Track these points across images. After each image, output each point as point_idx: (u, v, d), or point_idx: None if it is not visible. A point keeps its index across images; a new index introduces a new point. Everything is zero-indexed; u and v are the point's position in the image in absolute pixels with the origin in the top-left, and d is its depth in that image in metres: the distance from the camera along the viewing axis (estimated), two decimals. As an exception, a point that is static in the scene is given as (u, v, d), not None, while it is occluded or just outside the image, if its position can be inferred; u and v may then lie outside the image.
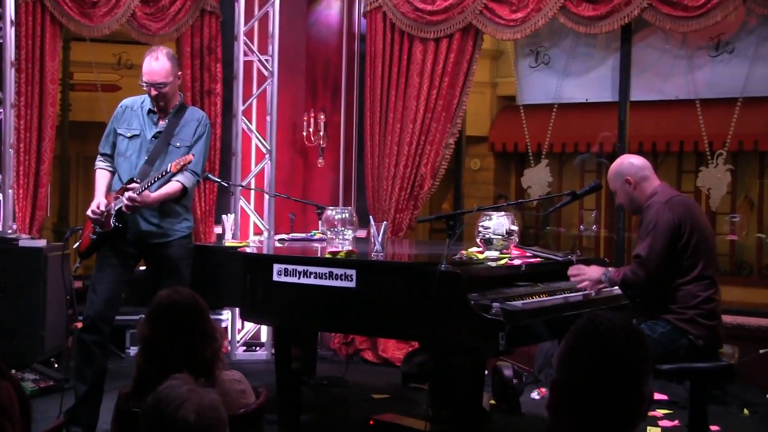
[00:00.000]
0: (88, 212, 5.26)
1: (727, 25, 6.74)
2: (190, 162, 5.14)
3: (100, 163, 5.45)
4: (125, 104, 5.46)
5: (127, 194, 5.09)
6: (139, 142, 5.31)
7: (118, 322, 7.38)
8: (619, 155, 6.94)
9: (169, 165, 5.11)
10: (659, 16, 6.58)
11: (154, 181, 5.13)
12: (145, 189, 5.10)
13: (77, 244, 5.45)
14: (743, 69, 6.77)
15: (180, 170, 5.12)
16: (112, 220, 5.19)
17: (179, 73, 5.41)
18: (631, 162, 4.99)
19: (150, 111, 5.36)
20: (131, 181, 5.21)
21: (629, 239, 7.45)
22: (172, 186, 5.22)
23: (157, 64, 5.24)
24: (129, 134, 5.34)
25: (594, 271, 4.85)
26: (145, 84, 5.27)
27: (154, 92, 5.26)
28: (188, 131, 5.35)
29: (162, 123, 5.35)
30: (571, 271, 4.90)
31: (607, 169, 5.16)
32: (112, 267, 5.31)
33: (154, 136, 5.31)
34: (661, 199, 4.78)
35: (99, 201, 5.24)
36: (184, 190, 5.30)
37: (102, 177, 5.41)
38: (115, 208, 5.17)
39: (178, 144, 5.31)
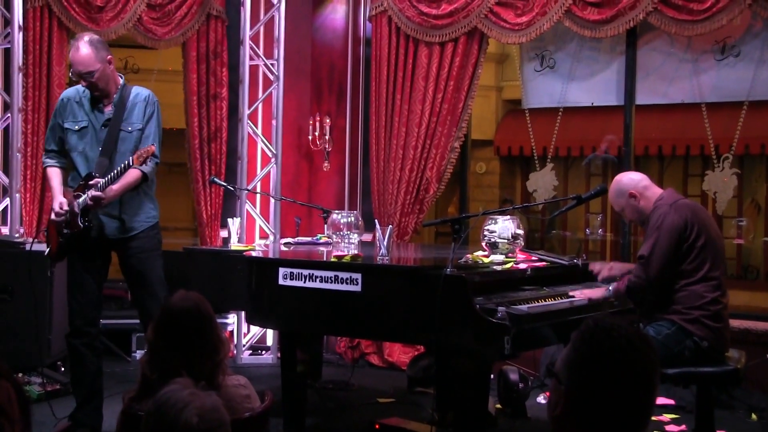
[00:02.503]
0: (52, 216, 5.14)
1: (733, 29, 6.73)
2: (152, 153, 5.03)
3: (48, 161, 5.32)
4: (66, 96, 5.30)
5: (90, 193, 4.99)
6: (89, 134, 5.17)
7: (123, 325, 7.45)
8: (624, 159, 6.98)
9: (130, 158, 4.99)
10: (664, 20, 6.57)
11: (117, 176, 5.00)
12: (108, 185, 5.00)
13: (47, 250, 5.29)
14: (749, 72, 6.76)
15: (143, 162, 5.02)
16: (79, 220, 5.07)
17: (108, 57, 5.16)
18: (630, 177, 5.04)
19: (93, 99, 5.20)
20: (90, 176, 5.08)
21: (635, 243, 7.45)
22: (131, 174, 5.07)
23: (78, 53, 5.07)
24: (77, 127, 5.20)
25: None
26: (74, 76, 5.15)
27: (84, 83, 5.13)
28: (138, 113, 5.19)
29: (108, 110, 5.19)
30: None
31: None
32: (85, 270, 5.24)
33: (104, 125, 5.17)
34: (668, 201, 4.82)
35: (60, 201, 5.11)
36: (144, 177, 5.15)
37: (55, 175, 5.27)
38: (81, 206, 5.06)
39: (129, 128, 5.17)
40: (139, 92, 5.27)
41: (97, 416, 5.28)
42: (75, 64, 5.09)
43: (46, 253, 5.34)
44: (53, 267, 5.45)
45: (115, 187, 5.04)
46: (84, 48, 5.07)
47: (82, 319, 5.23)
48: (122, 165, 5.01)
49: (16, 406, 2.33)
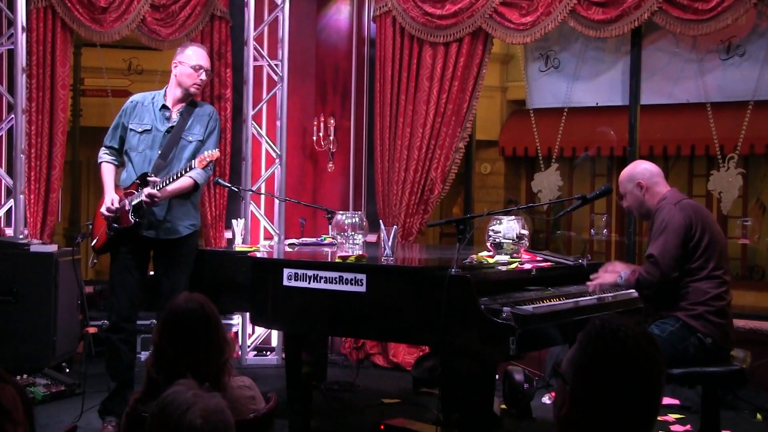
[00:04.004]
0: (102, 210, 5.35)
1: (738, 28, 6.72)
2: (216, 159, 5.31)
3: (105, 156, 5.54)
4: (136, 100, 5.57)
5: (146, 191, 5.18)
6: (151, 137, 5.42)
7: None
8: (630, 159, 6.95)
9: (194, 161, 5.24)
10: (669, 20, 6.56)
11: (177, 177, 5.24)
12: (165, 185, 5.23)
13: (94, 241, 5.52)
14: (754, 72, 6.75)
15: (205, 167, 5.27)
16: (130, 216, 5.28)
17: None
18: (645, 167, 5.05)
19: (163, 107, 5.47)
20: (145, 175, 5.28)
21: (640, 243, 7.43)
22: (185, 181, 5.33)
23: (205, 52, 5.55)
24: (140, 129, 5.44)
25: (608, 276, 4.87)
26: (196, 67, 5.46)
27: (205, 77, 5.52)
28: (200, 126, 5.48)
29: (174, 118, 5.46)
30: (592, 277, 4.92)
31: (619, 166, 5.18)
32: (128, 269, 5.43)
33: (167, 131, 5.42)
34: (672, 201, 4.86)
35: (111, 198, 5.33)
36: (196, 186, 5.41)
37: (109, 171, 5.52)
38: (133, 203, 5.26)
39: (190, 138, 5.43)
40: (204, 107, 5.64)
41: (126, 406, 5.32)
42: (206, 60, 5.54)
43: (92, 245, 5.56)
44: (96, 258, 5.65)
45: (169, 188, 5.28)
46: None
47: (121, 316, 5.43)
48: (185, 167, 5.26)
49: (21, 409, 2.34)
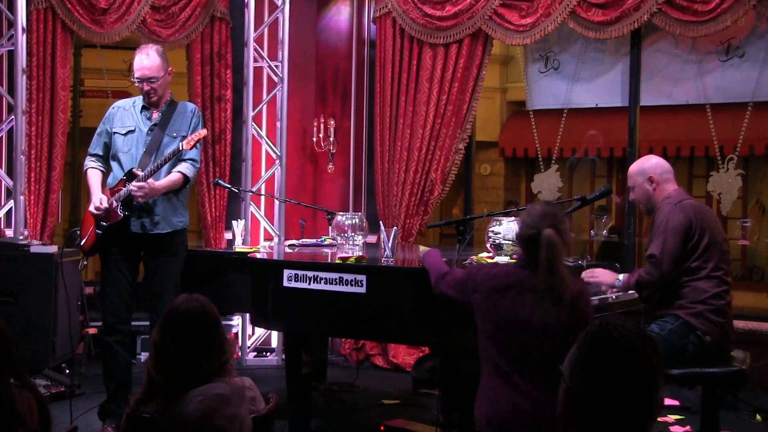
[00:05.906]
0: (91, 209, 5.38)
1: (737, 30, 6.72)
2: (203, 136, 5.39)
3: (91, 163, 5.58)
4: (118, 105, 5.65)
5: (134, 183, 5.23)
6: (135, 137, 5.47)
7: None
8: (629, 160, 6.96)
9: (181, 143, 5.30)
10: (669, 21, 6.56)
11: (164, 163, 5.31)
12: (150, 175, 5.27)
13: (83, 241, 5.54)
14: (753, 73, 6.75)
15: (193, 146, 5.32)
16: (119, 210, 5.33)
17: (169, 69, 5.57)
18: (657, 162, 5.07)
19: (143, 108, 5.54)
20: (131, 171, 5.34)
21: (640, 244, 7.44)
22: (174, 176, 5.39)
23: (148, 60, 5.44)
24: (124, 131, 5.49)
25: (607, 276, 4.88)
26: (137, 80, 5.46)
27: (146, 87, 5.44)
28: (183, 122, 5.53)
29: (156, 116, 5.52)
30: (584, 274, 4.92)
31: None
32: (119, 271, 5.45)
33: (150, 129, 5.48)
34: (673, 201, 4.86)
35: (100, 197, 5.37)
36: (186, 181, 5.44)
37: (95, 176, 5.55)
38: (122, 198, 5.31)
39: (174, 134, 5.47)
40: (186, 105, 5.69)
41: (126, 408, 5.33)
42: (142, 68, 5.45)
43: (81, 244, 5.57)
44: (86, 260, 5.68)
45: (158, 184, 5.31)
46: (154, 56, 5.47)
47: (116, 317, 5.44)
48: (173, 150, 5.33)
49: (36, 417, 2.34)
